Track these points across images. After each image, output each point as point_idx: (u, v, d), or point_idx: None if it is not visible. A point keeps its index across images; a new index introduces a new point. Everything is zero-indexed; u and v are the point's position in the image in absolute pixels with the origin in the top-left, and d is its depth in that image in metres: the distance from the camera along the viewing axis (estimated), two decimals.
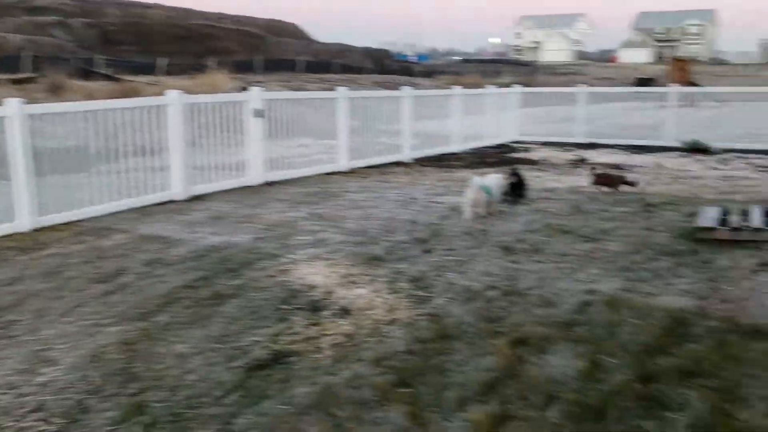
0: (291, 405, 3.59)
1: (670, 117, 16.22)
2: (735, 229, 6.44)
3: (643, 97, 18.25)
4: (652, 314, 4.59)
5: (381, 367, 3.95)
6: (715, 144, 14.96)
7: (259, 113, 10.40)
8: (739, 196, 9.04)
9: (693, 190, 9.77)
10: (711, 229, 6.53)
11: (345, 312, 4.89)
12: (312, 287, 5.40)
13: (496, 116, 16.99)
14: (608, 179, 9.68)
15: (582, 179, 11.01)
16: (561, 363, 3.89)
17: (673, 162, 13.21)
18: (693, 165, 12.81)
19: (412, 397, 3.58)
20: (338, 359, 4.13)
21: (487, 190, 8.03)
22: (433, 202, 8.99)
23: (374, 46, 77.55)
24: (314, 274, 5.76)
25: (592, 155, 14.49)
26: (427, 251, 6.47)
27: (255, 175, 10.51)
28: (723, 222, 6.76)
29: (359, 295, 5.22)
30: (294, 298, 5.17)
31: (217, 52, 43.31)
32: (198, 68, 30.61)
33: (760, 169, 12.11)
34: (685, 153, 14.64)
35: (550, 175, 11.75)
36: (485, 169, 12.29)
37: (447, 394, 3.59)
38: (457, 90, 15.80)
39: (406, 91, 13.97)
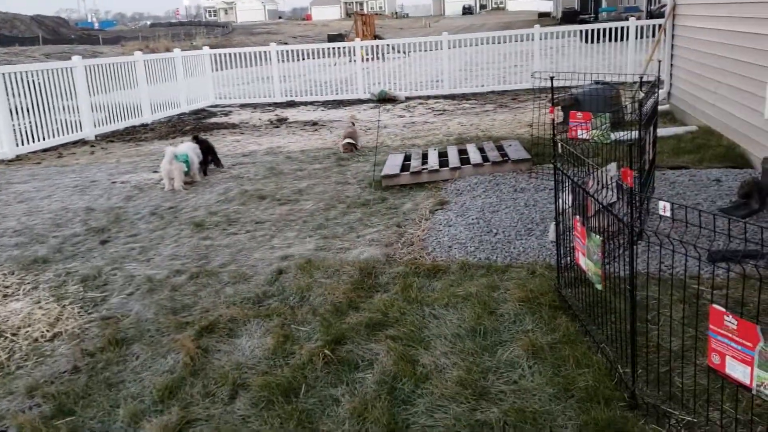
0: None
1: (359, 71, 16.94)
2: (415, 173, 6.78)
3: (334, 53, 18.74)
4: (343, 270, 4.52)
5: (36, 397, 3.23)
6: (401, 93, 16.04)
7: None
8: (420, 140, 9.67)
9: (380, 138, 10.22)
10: (395, 176, 6.80)
11: None
12: None
13: (189, 81, 16.06)
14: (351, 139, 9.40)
15: (281, 139, 10.90)
16: (250, 344, 3.59)
17: (364, 114, 13.79)
18: (382, 115, 13.50)
19: (73, 426, 2.97)
20: None
21: (184, 159, 7.44)
22: (116, 182, 8.03)
23: (49, 13, 68.78)
24: None
25: (292, 113, 14.52)
26: (105, 242, 5.67)
27: None
28: (405, 167, 7.09)
29: (14, 310, 4.31)
30: None
31: None
32: None
33: (437, 112, 13.22)
34: (375, 104, 15.42)
35: (251, 137, 11.42)
36: (181, 138, 11.52)
37: (118, 411, 3.05)
38: (141, 56, 14.47)
39: (78, 61, 12.33)
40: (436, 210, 5.80)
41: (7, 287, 4.71)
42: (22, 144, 10.82)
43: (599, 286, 2.97)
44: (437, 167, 6.86)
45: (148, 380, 3.31)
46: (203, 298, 4.29)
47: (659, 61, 8.52)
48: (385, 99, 15.85)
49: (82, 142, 11.90)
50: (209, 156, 8.22)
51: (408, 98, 15.88)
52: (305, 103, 16.37)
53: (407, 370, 3.12)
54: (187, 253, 5.23)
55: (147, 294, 4.41)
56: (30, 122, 11.04)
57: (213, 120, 14.23)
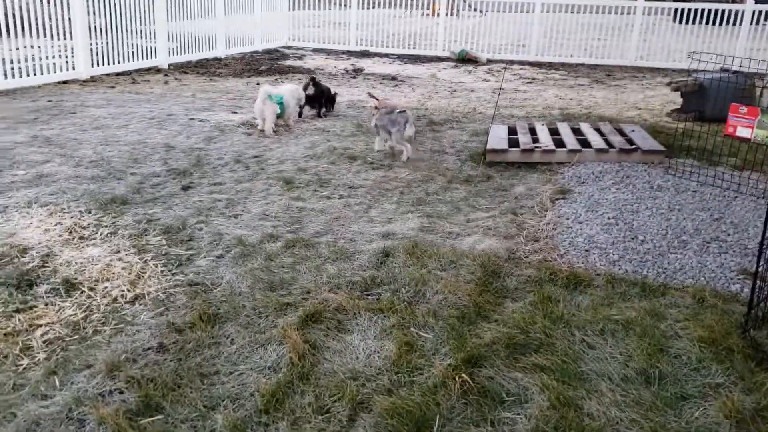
0: None
1: (439, 26, 16.00)
2: (526, 151, 6.05)
3: (412, 4, 17.74)
4: (461, 263, 3.90)
5: (118, 379, 2.74)
6: (482, 54, 15.10)
7: None
8: (517, 110, 8.89)
9: (471, 104, 9.48)
10: (502, 152, 6.09)
11: (70, 287, 3.52)
12: (24, 250, 3.88)
13: (265, 18, 15.40)
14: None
15: (360, 92, 10.23)
16: (364, 346, 3.01)
17: (445, 73, 12.98)
18: (465, 77, 12.68)
19: (162, 429, 2.46)
20: (54, 369, 2.82)
21: (278, 100, 6.96)
22: (194, 119, 7.51)
23: None
24: (29, 228, 4.20)
25: (368, 64, 13.79)
26: (188, 187, 5.16)
27: None
28: (513, 143, 6.37)
29: (91, 258, 3.83)
30: None
31: None
32: None
33: (526, 80, 12.31)
34: (455, 63, 14.56)
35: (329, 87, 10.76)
36: (256, 78, 10.95)
37: (215, 417, 2.53)
38: None
39: None
40: (557, 199, 5.10)
41: (83, 228, 4.24)
42: (97, 65, 10.42)
43: None
44: (552, 147, 6.12)
45: (247, 377, 2.78)
46: (302, 273, 3.74)
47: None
48: (465, 59, 14.97)
49: (156, 70, 11.45)
50: (323, 100, 8.03)
51: (489, 61, 14.96)
52: (380, 55, 15.58)
53: (572, 420, 2.50)
54: (279, 213, 4.68)
55: (239, 259, 3.87)
56: (106, 43, 10.60)
57: (288, 63, 13.60)
